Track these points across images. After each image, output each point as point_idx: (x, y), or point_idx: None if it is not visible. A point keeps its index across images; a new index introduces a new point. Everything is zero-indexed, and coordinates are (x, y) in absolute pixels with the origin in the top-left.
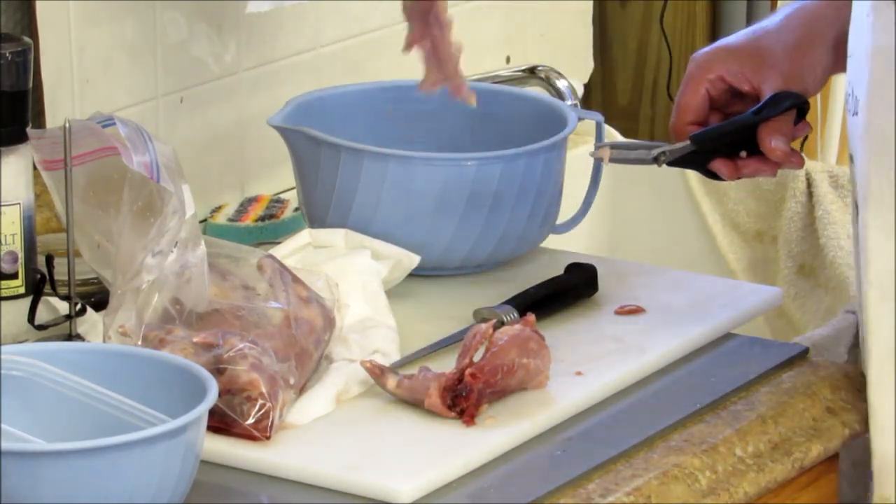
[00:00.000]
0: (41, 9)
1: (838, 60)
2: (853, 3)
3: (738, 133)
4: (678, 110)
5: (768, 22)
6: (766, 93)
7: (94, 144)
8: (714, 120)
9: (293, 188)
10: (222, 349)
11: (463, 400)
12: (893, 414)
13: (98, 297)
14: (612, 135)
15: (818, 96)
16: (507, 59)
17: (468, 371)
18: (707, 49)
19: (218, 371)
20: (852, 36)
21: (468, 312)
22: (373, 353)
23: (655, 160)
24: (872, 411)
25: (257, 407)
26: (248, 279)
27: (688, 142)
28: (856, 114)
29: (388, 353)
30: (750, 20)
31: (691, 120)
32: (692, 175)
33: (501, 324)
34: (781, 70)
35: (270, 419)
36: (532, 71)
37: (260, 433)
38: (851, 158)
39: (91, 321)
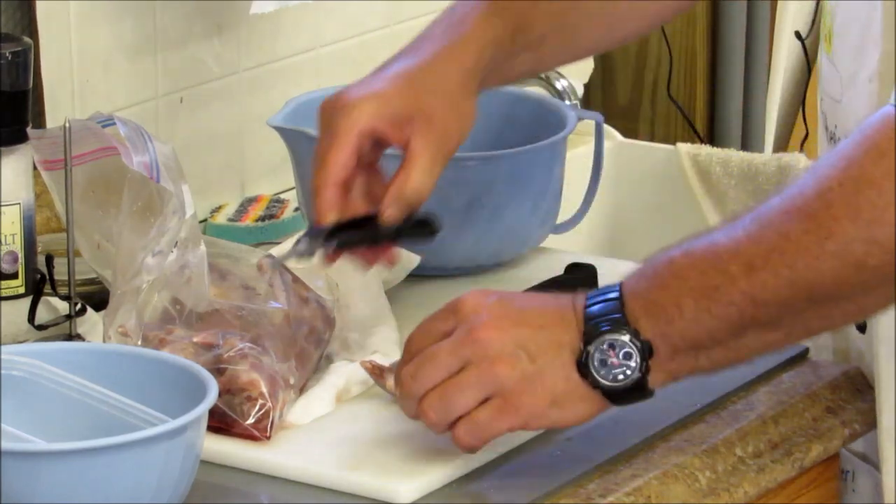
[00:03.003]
0: (41, 9)
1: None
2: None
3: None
4: (323, 165)
5: (422, 53)
6: (416, 148)
7: (94, 144)
8: (361, 176)
9: (293, 188)
10: (222, 349)
11: None
12: None
13: (98, 297)
14: (612, 135)
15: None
16: None
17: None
18: (357, 94)
19: (218, 371)
20: (839, 82)
21: None
22: (373, 353)
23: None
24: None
25: (257, 407)
26: (248, 279)
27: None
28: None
29: (388, 353)
30: (750, 20)
31: (336, 181)
32: (692, 175)
33: None
34: (434, 121)
35: (270, 419)
36: None
37: (260, 433)
38: None
39: (91, 321)
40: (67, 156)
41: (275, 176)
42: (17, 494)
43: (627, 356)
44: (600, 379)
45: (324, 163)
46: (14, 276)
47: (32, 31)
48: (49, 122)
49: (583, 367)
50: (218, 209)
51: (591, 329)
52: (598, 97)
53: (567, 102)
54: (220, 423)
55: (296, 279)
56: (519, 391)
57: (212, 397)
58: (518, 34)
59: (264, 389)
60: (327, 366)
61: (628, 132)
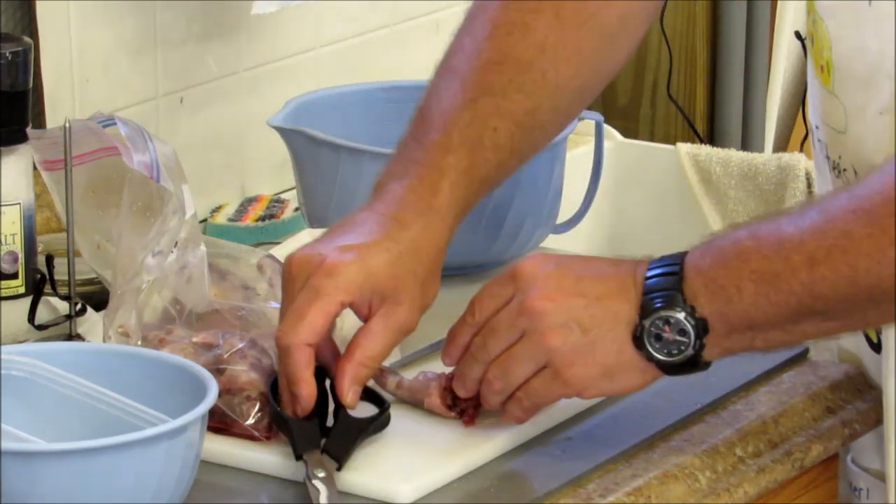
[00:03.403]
0: (41, 9)
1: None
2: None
3: None
4: (301, 322)
5: (403, 228)
6: (376, 329)
7: (94, 144)
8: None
9: (293, 188)
10: (222, 349)
11: (463, 401)
12: None
13: (98, 297)
14: (612, 135)
15: None
16: None
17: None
18: (345, 260)
19: (218, 371)
20: (844, 114)
21: None
22: None
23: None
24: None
25: (257, 407)
26: (248, 279)
27: None
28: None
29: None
30: (750, 20)
31: (312, 342)
32: (692, 175)
33: None
34: (403, 307)
35: (270, 419)
36: None
37: (260, 433)
38: None
39: (91, 321)
40: (67, 156)
41: (275, 176)
42: (17, 494)
43: (682, 332)
44: (654, 353)
45: (302, 319)
46: (14, 276)
47: (32, 31)
48: (49, 122)
49: (637, 340)
50: (218, 209)
51: (648, 303)
52: (598, 97)
53: None
54: (220, 423)
55: None
56: (570, 362)
57: (212, 397)
58: (488, 164)
59: (264, 389)
60: None
61: (628, 132)
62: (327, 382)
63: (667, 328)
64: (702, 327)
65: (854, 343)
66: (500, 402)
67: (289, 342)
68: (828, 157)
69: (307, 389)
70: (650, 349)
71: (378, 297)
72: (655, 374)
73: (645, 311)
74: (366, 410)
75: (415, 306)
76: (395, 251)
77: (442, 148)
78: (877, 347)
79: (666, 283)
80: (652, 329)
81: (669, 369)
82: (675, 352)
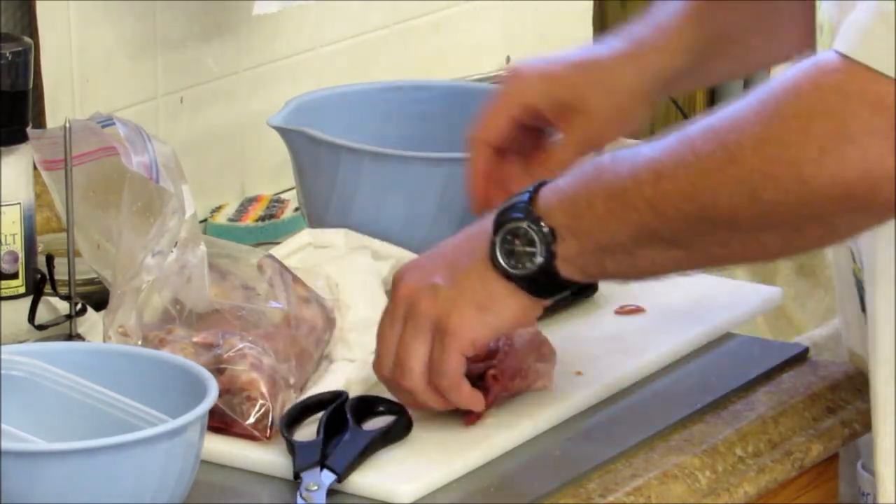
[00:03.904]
0: (41, 9)
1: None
2: None
3: None
4: (479, 121)
5: (606, 49)
6: (567, 141)
7: (94, 144)
8: (512, 157)
9: (293, 188)
10: (222, 349)
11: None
12: None
13: (98, 297)
14: None
15: None
16: (508, 59)
17: (491, 372)
18: (531, 68)
19: (218, 371)
20: None
21: None
22: (371, 353)
23: None
24: (880, 480)
25: (257, 407)
26: (248, 279)
27: None
28: None
29: None
30: None
31: (487, 139)
32: None
33: None
34: (594, 118)
35: (270, 419)
36: None
37: (260, 433)
38: None
39: (91, 321)
40: (67, 156)
41: (275, 176)
42: (17, 494)
43: (531, 243)
44: (508, 268)
45: (481, 119)
46: (14, 276)
47: (32, 31)
48: (49, 122)
49: (493, 260)
50: (218, 209)
51: (499, 219)
52: None
53: None
54: (220, 423)
55: (296, 279)
56: (446, 314)
57: (212, 397)
58: (718, 42)
59: (264, 389)
60: (327, 365)
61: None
62: (347, 404)
63: (517, 241)
64: (548, 234)
65: (860, 339)
66: (425, 399)
67: (471, 136)
68: None
69: (478, 190)
70: (503, 265)
71: (567, 107)
72: (527, 298)
73: (496, 227)
74: (381, 422)
75: (609, 119)
76: (587, 65)
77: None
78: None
79: (518, 199)
80: (504, 245)
81: (532, 287)
82: (529, 263)
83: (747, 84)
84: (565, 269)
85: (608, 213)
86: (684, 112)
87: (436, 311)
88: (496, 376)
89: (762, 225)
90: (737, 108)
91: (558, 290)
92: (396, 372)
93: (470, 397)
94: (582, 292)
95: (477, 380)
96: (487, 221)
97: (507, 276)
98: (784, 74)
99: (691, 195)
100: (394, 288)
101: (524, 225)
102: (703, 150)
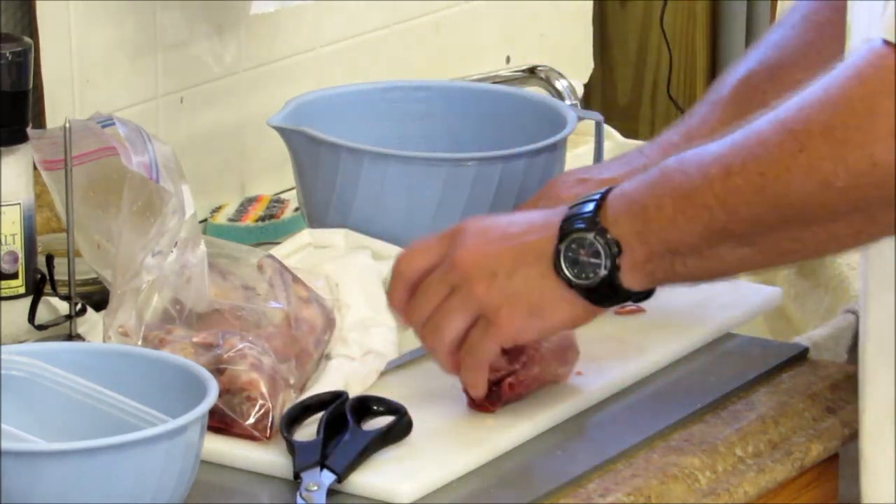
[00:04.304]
0: (41, 9)
1: None
2: None
3: None
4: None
5: (640, 158)
6: None
7: (94, 144)
8: None
9: (293, 188)
10: (222, 349)
11: (490, 403)
12: (893, 468)
13: (98, 297)
14: (612, 135)
15: None
16: (507, 59)
17: (509, 381)
18: (569, 173)
19: (218, 371)
20: None
21: None
22: (367, 353)
23: None
24: (865, 463)
25: (257, 407)
26: (248, 279)
27: None
28: None
29: (389, 353)
30: (750, 20)
31: None
32: None
33: None
34: None
35: (270, 419)
36: (532, 71)
37: (260, 433)
38: None
39: (91, 321)
40: (67, 156)
41: (275, 176)
42: (17, 494)
43: (596, 254)
44: (572, 277)
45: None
46: (14, 276)
47: (32, 31)
48: (49, 122)
49: (556, 267)
50: (218, 209)
51: (565, 227)
52: (598, 97)
53: (567, 102)
54: (220, 423)
55: (296, 279)
56: (497, 306)
57: (212, 397)
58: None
59: (264, 389)
60: (327, 365)
61: (628, 132)
62: (347, 405)
63: (582, 251)
64: (614, 246)
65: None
66: (438, 358)
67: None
68: None
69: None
70: (567, 273)
71: None
72: (583, 305)
73: (561, 235)
74: (381, 422)
75: None
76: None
77: None
78: None
79: (586, 207)
80: (568, 253)
81: (591, 296)
82: (592, 274)
83: None
84: (629, 279)
85: (678, 213)
86: (684, 112)
87: (488, 299)
88: (512, 385)
89: (834, 214)
90: (802, 97)
91: (618, 300)
92: (427, 328)
93: (481, 385)
94: (640, 299)
95: (492, 384)
96: (555, 216)
97: (569, 285)
98: (844, 63)
99: (762, 188)
100: (452, 244)
101: (590, 237)
102: (772, 141)
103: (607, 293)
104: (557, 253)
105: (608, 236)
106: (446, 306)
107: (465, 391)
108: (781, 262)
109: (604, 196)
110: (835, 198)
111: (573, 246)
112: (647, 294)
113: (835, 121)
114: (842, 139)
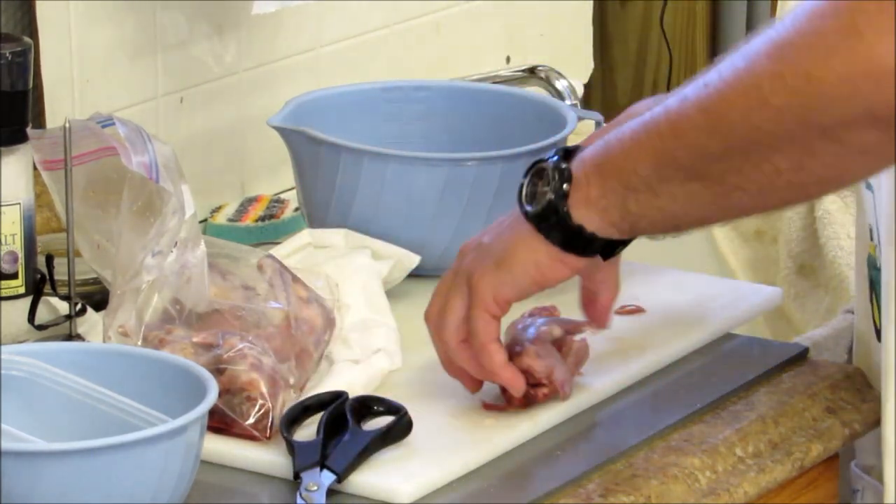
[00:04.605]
0: (41, 9)
1: None
2: None
3: None
4: (587, 140)
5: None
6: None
7: (94, 144)
8: None
9: (293, 188)
10: (222, 349)
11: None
12: None
13: (98, 297)
14: None
15: None
16: (507, 59)
17: (542, 391)
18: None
19: (218, 371)
20: None
21: None
22: (376, 352)
23: None
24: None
25: (257, 407)
26: (248, 279)
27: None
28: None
29: (390, 353)
30: (750, 20)
31: None
32: None
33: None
34: None
35: (270, 419)
36: (532, 71)
37: (260, 433)
38: (868, 185)
39: (91, 321)
40: (67, 156)
41: (275, 176)
42: (17, 494)
43: (548, 182)
44: (527, 206)
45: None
46: (14, 276)
47: (32, 31)
48: (49, 122)
49: (520, 205)
50: (218, 209)
51: (530, 166)
52: (598, 97)
53: (567, 102)
54: (220, 423)
55: (296, 279)
56: (472, 272)
57: (212, 397)
58: None
59: (264, 389)
60: (328, 367)
61: None
62: (347, 405)
63: (538, 182)
64: (565, 173)
65: (867, 327)
66: (458, 357)
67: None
68: None
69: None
70: (525, 205)
71: None
72: (548, 249)
73: (526, 172)
74: (381, 422)
75: None
76: None
77: None
78: (879, 334)
79: (556, 150)
80: (529, 188)
81: (541, 225)
82: (542, 200)
83: None
84: (581, 214)
85: (633, 142)
86: None
87: (469, 267)
88: (546, 394)
89: (772, 139)
90: (762, 34)
91: (578, 243)
92: (437, 324)
93: (504, 367)
94: (606, 252)
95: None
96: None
97: (526, 217)
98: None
99: (707, 108)
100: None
101: (546, 165)
102: (723, 67)
103: (556, 224)
104: (520, 187)
105: (562, 166)
106: (448, 294)
107: (503, 390)
108: (729, 203)
109: (578, 147)
110: (772, 117)
111: (533, 179)
112: (612, 246)
113: (781, 40)
114: (784, 57)
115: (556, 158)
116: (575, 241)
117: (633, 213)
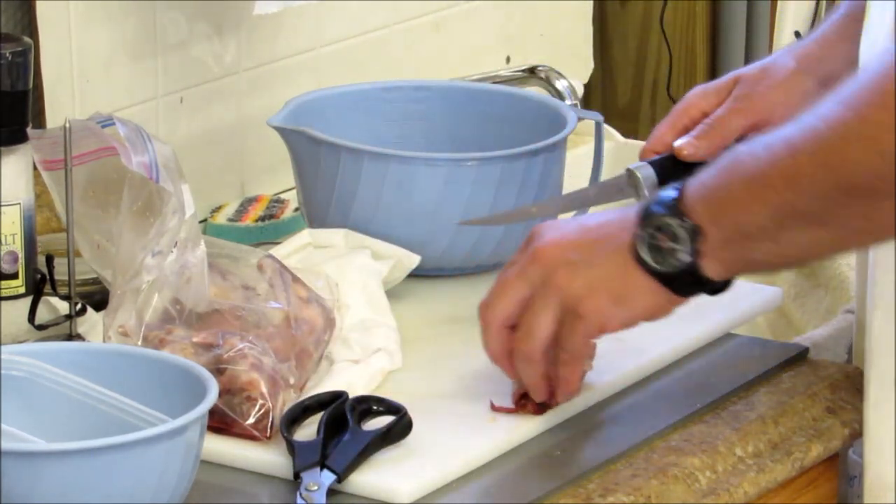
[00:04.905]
0: (41, 9)
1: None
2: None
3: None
4: (651, 138)
5: (755, 64)
6: (732, 128)
7: (94, 144)
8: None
9: (293, 188)
10: (222, 349)
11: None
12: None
13: (98, 297)
14: (612, 135)
15: None
16: (507, 59)
17: (557, 399)
18: (695, 89)
19: (218, 371)
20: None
21: (468, 312)
22: (376, 352)
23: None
24: (868, 430)
25: (257, 407)
26: (248, 279)
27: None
28: None
29: (392, 353)
30: (750, 20)
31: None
32: None
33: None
34: (749, 115)
35: (270, 419)
36: (532, 71)
37: (260, 433)
38: None
39: (91, 321)
40: (67, 156)
41: (275, 176)
42: (17, 494)
43: (675, 239)
44: (653, 263)
45: (651, 136)
46: (14, 276)
47: (32, 31)
48: (49, 122)
49: (636, 254)
50: (218, 209)
51: (644, 215)
52: (598, 97)
53: (567, 102)
54: (220, 423)
55: (296, 279)
56: (581, 296)
57: (212, 397)
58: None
59: (264, 389)
60: (329, 367)
61: (628, 132)
62: (347, 405)
63: (661, 236)
64: (695, 231)
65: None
66: (529, 366)
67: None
68: None
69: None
70: (648, 260)
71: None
72: (665, 295)
73: (642, 223)
74: (381, 422)
75: (768, 104)
76: (741, 70)
77: None
78: None
79: (665, 196)
80: (647, 238)
81: (673, 284)
82: (673, 261)
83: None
84: (709, 266)
85: (747, 194)
86: None
87: (571, 289)
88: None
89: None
90: (860, 75)
91: (697, 289)
92: (519, 333)
93: (575, 382)
94: (716, 291)
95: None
96: (632, 210)
97: (650, 272)
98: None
99: (824, 162)
100: (530, 242)
101: (670, 221)
102: (831, 116)
103: (688, 281)
104: (638, 239)
105: (686, 220)
106: (532, 308)
107: (521, 394)
108: (857, 242)
109: (683, 186)
110: (891, 164)
111: (653, 231)
112: (724, 285)
113: (891, 88)
114: (886, 103)
115: (673, 209)
116: (697, 288)
117: (757, 260)
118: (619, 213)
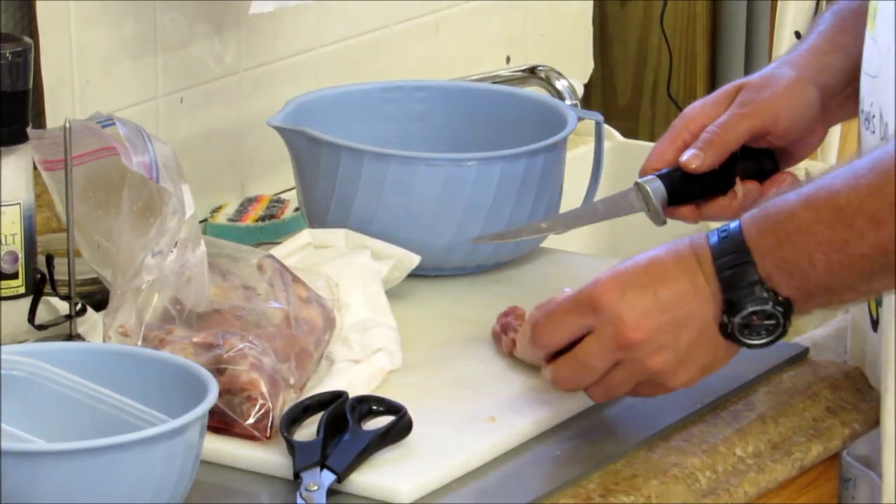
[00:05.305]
0: (41, 9)
1: (826, 110)
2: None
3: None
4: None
5: (755, 74)
6: (739, 132)
7: (94, 144)
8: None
9: (293, 188)
10: (222, 349)
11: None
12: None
13: (98, 297)
14: (612, 135)
15: None
16: (507, 59)
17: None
18: (693, 104)
19: (218, 371)
20: (878, 57)
21: (468, 313)
22: (376, 352)
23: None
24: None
25: (257, 407)
26: (248, 279)
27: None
28: (884, 138)
29: (392, 353)
30: (750, 20)
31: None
32: None
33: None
34: (755, 119)
35: (270, 419)
36: (532, 71)
37: (260, 433)
38: None
39: (91, 321)
40: (67, 156)
41: (275, 176)
42: (17, 494)
43: (769, 316)
44: (746, 340)
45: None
46: (14, 276)
47: (32, 31)
48: (49, 122)
49: (728, 334)
50: (218, 209)
51: (733, 300)
52: (598, 97)
53: (567, 102)
54: (220, 423)
55: (296, 279)
56: (673, 374)
57: (212, 397)
58: (825, 94)
59: (264, 389)
60: (329, 367)
61: (628, 132)
62: (347, 405)
63: (755, 318)
64: (787, 308)
65: (862, 318)
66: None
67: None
68: (862, 111)
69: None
70: (741, 338)
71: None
72: (737, 349)
73: (733, 308)
74: (381, 422)
75: (770, 114)
76: (742, 80)
77: None
78: (876, 325)
79: (743, 276)
80: (740, 321)
81: (757, 347)
82: (766, 334)
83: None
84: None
85: (834, 264)
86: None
87: (664, 370)
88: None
89: None
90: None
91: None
92: (595, 389)
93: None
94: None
95: None
96: (695, 267)
97: (738, 342)
98: None
99: (878, 219)
100: (599, 318)
101: (767, 307)
102: (867, 175)
103: (772, 342)
104: (731, 325)
105: (780, 299)
106: (617, 377)
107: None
108: None
109: (751, 258)
110: None
111: (746, 314)
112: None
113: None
114: None
115: (763, 292)
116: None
117: (836, 305)
118: (682, 270)
